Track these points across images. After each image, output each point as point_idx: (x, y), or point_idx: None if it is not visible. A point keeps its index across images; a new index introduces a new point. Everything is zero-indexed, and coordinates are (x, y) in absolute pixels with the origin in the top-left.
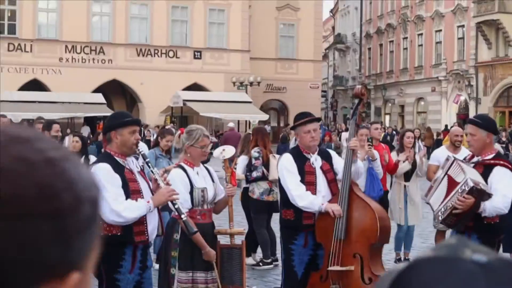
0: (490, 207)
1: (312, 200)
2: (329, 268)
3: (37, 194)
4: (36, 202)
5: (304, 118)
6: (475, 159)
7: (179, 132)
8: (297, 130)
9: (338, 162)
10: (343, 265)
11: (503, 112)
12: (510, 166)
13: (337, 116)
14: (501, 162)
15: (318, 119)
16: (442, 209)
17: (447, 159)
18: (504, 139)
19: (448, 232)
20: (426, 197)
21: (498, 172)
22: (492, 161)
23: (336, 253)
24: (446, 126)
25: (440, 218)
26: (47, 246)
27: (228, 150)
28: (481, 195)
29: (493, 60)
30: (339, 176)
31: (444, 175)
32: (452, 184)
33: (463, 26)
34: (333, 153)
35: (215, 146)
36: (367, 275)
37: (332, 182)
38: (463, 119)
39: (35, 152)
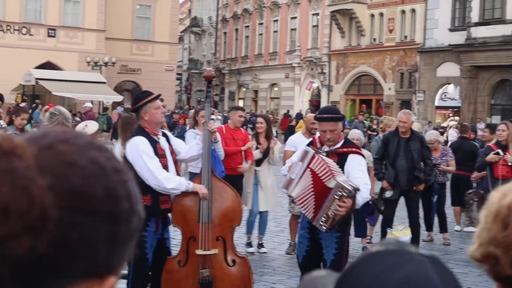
0: (361, 200)
1: (179, 180)
2: (197, 252)
3: (104, 196)
4: (102, 203)
5: (150, 94)
6: (326, 148)
7: (47, 106)
8: (146, 107)
9: (177, 143)
10: (208, 249)
11: (353, 100)
12: (360, 152)
13: (191, 99)
14: (353, 149)
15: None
16: (323, 218)
17: (306, 151)
18: (374, 126)
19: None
20: (287, 190)
21: (353, 160)
22: (345, 150)
23: (203, 236)
24: (287, 111)
25: (324, 228)
26: (100, 246)
27: (91, 126)
28: (355, 195)
29: (346, 48)
30: (179, 156)
31: (306, 169)
32: (320, 185)
33: (317, 14)
34: (169, 133)
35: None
36: (230, 257)
37: (176, 163)
38: (315, 105)
39: (106, 159)
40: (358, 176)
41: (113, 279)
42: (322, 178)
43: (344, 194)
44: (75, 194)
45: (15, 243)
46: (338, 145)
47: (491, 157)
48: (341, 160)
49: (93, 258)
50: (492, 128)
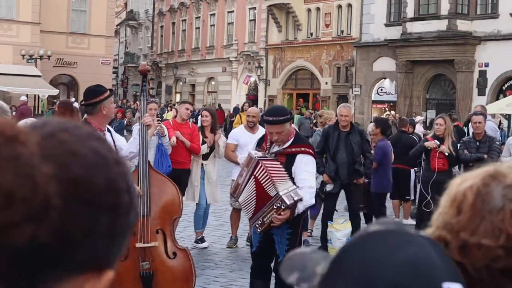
0: (302, 208)
1: None
2: (137, 245)
3: (105, 186)
4: (103, 193)
5: (106, 89)
6: (275, 148)
7: None
8: (106, 102)
9: (120, 140)
10: (147, 242)
11: (291, 94)
12: (309, 151)
13: (128, 93)
14: (302, 149)
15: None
16: (259, 222)
17: (251, 158)
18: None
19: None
20: (234, 195)
21: (301, 161)
22: (294, 150)
23: (142, 230)
24: (219, 105)
25: (258, 230)
26: (100, 237)
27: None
28: (296, 205)
29: (283, 43)
30: (121, 154)
31: (250, 176)
32: (262, 193)
33: (254, 8)
34: (111, 129)
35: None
36: (171, 250)
37: None
38: (252, 99)
39: (107, 150)
40: (303, 177)
41: (110, 273)
42: (264, 186)
43: (282, 207)
44: (78, 183)
45: (17, 231)
46: (288, 144)
47: (429, 143)
48: (289, 160)
49: (92, 250)
50: (377, 122)
